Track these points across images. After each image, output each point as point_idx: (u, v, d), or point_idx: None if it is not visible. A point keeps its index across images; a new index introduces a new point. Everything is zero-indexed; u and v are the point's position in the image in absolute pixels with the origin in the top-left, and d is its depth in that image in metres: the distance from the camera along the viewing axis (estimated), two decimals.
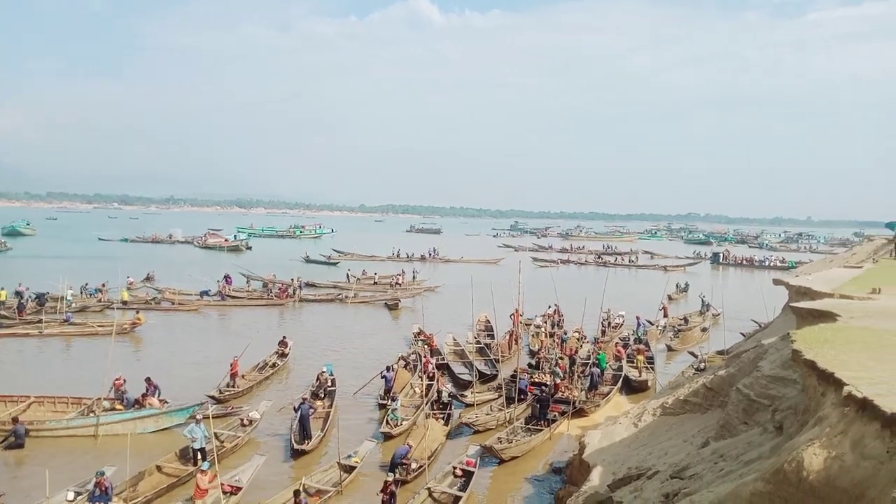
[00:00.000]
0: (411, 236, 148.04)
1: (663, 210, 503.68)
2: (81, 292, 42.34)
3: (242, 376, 24.92)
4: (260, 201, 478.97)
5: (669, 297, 47.84)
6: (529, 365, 26.85)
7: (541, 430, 19.99)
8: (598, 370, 25.02)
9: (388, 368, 24.35)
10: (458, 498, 15.45)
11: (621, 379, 25.63)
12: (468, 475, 16.51)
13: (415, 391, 23.33)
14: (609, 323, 36.46)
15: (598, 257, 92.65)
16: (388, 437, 19.36)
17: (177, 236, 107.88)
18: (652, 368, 27.35)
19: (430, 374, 24.71)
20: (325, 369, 24.37)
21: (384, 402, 22.38)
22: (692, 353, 29.78)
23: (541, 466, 18.23)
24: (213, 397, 22.40)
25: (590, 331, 33.75)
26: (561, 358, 27.16)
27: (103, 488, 14.50)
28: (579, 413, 21.83)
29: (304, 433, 18.84)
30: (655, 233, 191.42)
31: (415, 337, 31.86)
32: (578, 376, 25.12)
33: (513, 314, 33.44)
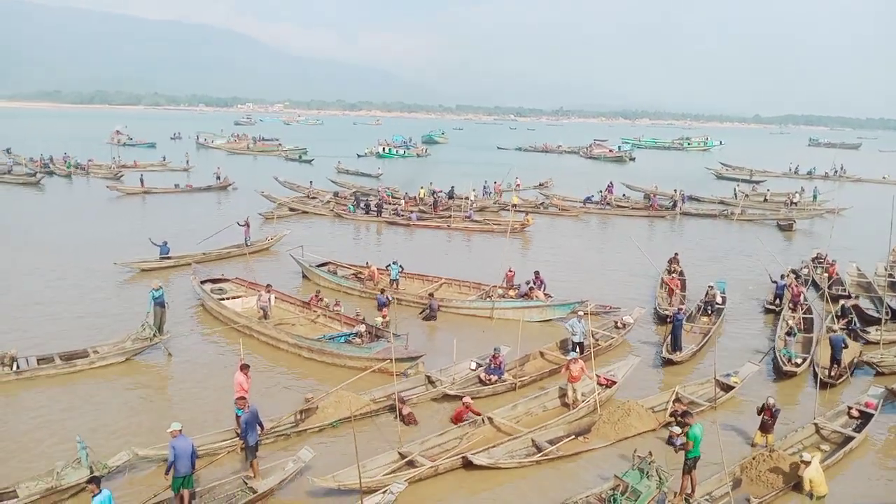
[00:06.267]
0: (814, 151, 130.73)
1: None
2: (483, 193, 47.70)
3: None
4: (645, 112, 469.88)
5: None
6: None
7: None
8: None
9: (781, 276, 24.18)
10: (849, 438, 13.92)
11: None
12: (865, 417, 14.69)
13: (787, 323, 21.04)
14: None
15: None
16: (789, 375, 17.85)
17: (563, 147, 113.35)
18: None
19: (805, 307, 22.10)
20: (713, 285, 23.41)
21: (771, 307, 23.39)
22: None
23: None
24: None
25: None
26: None
27: (498, 363, 16.73)
28: None
29: (676, 343, 18.71)
30: None
31: (812, 261, 28.62)
32: None
33: None
